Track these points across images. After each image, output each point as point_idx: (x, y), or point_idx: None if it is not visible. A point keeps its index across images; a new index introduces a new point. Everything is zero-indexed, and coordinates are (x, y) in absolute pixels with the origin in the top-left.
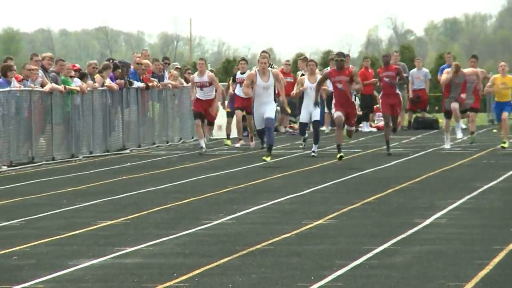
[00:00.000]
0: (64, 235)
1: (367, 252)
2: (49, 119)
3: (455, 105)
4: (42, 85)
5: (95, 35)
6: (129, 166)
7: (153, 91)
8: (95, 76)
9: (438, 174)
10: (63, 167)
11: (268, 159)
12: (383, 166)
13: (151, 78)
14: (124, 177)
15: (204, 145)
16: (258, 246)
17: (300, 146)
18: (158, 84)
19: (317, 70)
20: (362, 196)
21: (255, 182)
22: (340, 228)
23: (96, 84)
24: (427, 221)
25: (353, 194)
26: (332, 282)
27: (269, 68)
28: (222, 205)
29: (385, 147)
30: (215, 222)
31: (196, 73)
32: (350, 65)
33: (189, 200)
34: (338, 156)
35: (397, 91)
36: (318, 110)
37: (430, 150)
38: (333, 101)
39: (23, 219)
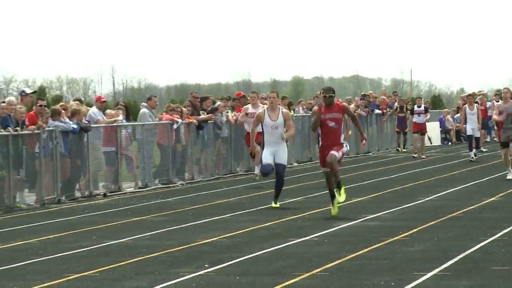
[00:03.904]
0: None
1: None
2: None
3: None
4: None
5: (350, 80)
6: (372, 163)
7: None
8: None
9: None
10: None
11: (277, 205)
12: None
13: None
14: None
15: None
16: (453, 214)
17: (472, 159)
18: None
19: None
20: None
21: (451, 173)
22: (505, 202)
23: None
24: None
25: None
26: (500, 237)
27: (280, 107)
28: (429, 188)
29: None
30: (426, 199)
31: (249, 104)
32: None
33: (408, 185)
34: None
35: None
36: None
37: None
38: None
39: (303, 196)
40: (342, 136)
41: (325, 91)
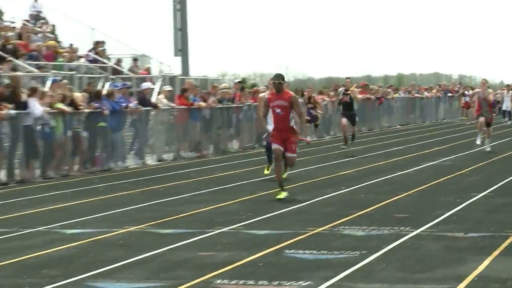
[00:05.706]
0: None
1: None
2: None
3: (482, 119)
4: None
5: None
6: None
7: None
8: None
9: None
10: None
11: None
12: None
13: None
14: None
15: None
16: (494, 158)
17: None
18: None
19: None
20: None
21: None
22: None
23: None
24: None
25: None
26: None
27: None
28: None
29: None
30: (479, 149)
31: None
32: None
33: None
34: (279, 196)
35: None
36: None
37: None
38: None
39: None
40: (293, 122)
41: (275, 78)
